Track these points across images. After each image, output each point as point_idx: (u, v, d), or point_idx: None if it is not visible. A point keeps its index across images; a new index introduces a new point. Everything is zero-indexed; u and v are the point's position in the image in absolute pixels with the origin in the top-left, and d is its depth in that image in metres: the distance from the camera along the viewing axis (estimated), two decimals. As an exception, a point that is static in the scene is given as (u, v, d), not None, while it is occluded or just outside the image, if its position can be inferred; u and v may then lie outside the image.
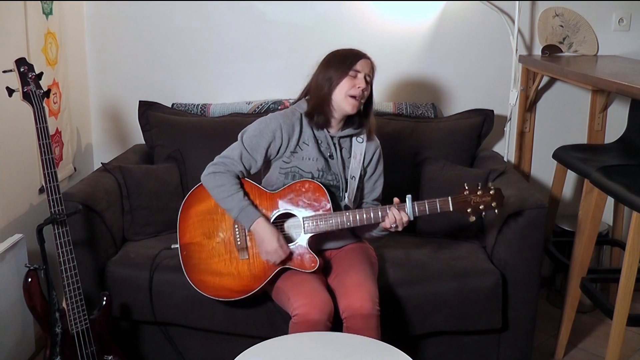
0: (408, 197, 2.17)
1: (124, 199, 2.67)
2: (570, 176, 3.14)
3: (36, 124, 2.12)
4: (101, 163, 2.78)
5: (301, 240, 2.21)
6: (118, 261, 2.50)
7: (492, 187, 2.18)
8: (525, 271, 2.41)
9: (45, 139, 2.12)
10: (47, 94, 2.19)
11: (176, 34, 3.18)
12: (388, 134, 2.78)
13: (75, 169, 3.06)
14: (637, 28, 3.14)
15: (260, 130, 2.24)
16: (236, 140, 2.25)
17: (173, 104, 3.15)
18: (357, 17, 3.13)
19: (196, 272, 2.27)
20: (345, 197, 2.28)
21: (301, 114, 2.28)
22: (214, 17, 3.16)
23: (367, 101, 2.26)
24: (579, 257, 2.65)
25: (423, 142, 2.90)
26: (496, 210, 2.18)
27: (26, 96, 2.12)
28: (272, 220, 2.22)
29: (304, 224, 2.20)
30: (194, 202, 2.30)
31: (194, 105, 3.13)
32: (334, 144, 2.29)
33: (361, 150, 2.31)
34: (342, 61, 2.20)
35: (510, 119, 3.16)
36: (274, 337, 1.92)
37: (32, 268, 2.13)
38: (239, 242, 2.24)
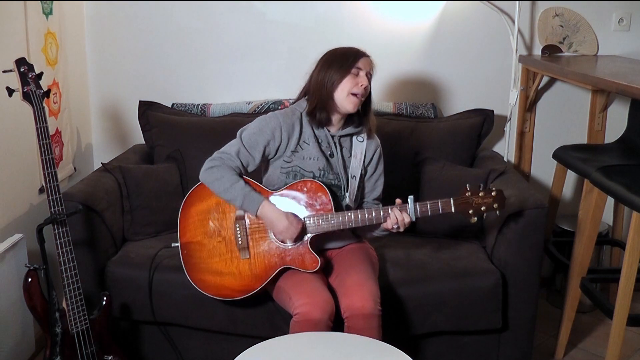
0: (410, 198, 2.17)
1: (124, 199, 2.67)
2: (570, 176, 3.14)
3: (36, 124, 2.12)
4: (101, 163, 2.78)
5: (303, 240, 2.21)
6: (118, 261, 2.50)
7: (493, 189, 2.18)
8: (525, 271, 2.41)
9: (45, 139, 2.12)
10: (47, 94, 2.19)
11: (176, 33, 3.18)
12: (388, 134, 2.78)
13: (75, 169, 3.06)
14: (637, 28, 3.15)
15: (260, 128, 2.24)
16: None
17: (173, 104, 3.15)
18: (357, 17, 3.13)
19: (197, 271, 2.27)
20: (346, 197, 2.28)
21: (301, 113, 2.28)
22: (214, 17, 3.16)
23: (365, 99, 2.26)
24: (579, 257, 2.65)
25: (423, 142, 2.90)
26: (498, 212, 2.18)
27: (26, 96, 2.12)
28: (272, 220, 2.23)
29: (305, 224, 2.20)
30: (195, 200, 2.30)
31: (194, 105, 3.13)
32: (334, 143, 2.29)
33: (362, 149, 2.31)
34: (344, 60, 2.20)
35: (510, 119, 3.16)
36: (274, 337, 1.91)
37: (32, 268, 2.13)
38: (240, 242, 2.24)
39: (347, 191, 2.28)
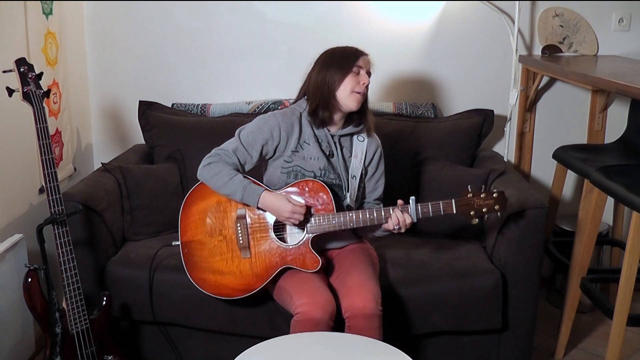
0: (412, 199, 2.17)
1: (124, 199, 2.67)
2: (570, 176, 3.14)
3: (36, 124, 2.12)
4: (101, 163, 2.78)
5: (303, 240, 2.21)
6: (118, 261, 2.50)
7: (495, 190, 2.18)
8: (525, 271, 2.41)
9: (45, 139, 2.12)
10: (47, 94, 2.19)
11: (176, 34, 3.18)
12: (388, 134, 2.78)
13: (75, 169, 3.06)
14: (637, 28, 3.15)
15: (259, 127, 2.24)
16: (235, 137, 2.26)
17: (173, 104, 3.15)
18: (357, 17, 3.13)
19: (197, 270, 2.27)
20: (347, 197, 2.28)
21: (300, 113, 2.28)
22: (214, 17, 3.16)
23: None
24: (579, 257, 2.65)
25: (423, 142, 2.90)
26: (499, 214, 2.18)
27: (26, 96, 2.12)
28: (273, 221, 2.22)
29: (306, 224, 2.20)
30: (196, 199, 2.30)
31: (194, 105, 3.13)
32: (335, 143, 2.29)
33: (362, 149, 2.31)
34: (344, 59, 2.21)
35: (510, 119, 3.16)
36: (275, 337, 1.91)
37: (32, 268, 2.13)
38: (241, 241, 2.24)
39: (347, 191, 2.28)
